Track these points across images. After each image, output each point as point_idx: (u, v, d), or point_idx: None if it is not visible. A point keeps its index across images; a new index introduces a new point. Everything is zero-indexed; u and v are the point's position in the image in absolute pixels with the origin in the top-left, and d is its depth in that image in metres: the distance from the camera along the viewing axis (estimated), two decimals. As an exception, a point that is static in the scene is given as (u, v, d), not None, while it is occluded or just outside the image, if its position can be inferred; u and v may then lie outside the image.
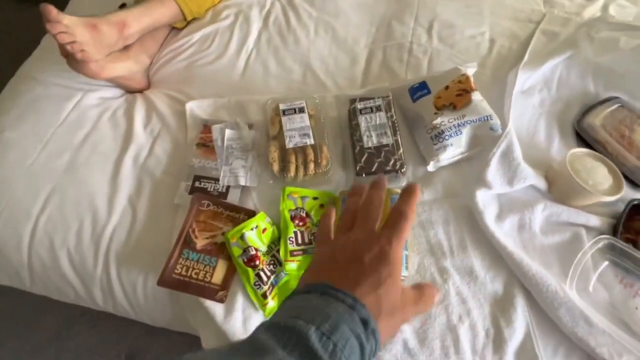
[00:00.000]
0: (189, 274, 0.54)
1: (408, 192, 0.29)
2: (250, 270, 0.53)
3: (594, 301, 0.52)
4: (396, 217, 0.28)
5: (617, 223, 0.57)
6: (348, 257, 0.27)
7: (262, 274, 0.53)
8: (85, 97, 0.72)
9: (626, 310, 0.51)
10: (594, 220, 0.58)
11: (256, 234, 0.55)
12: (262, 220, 0.56)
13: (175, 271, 0.54)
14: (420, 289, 0.28)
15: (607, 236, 0.55)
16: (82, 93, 0.72)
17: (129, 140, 0.67)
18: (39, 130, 0.68)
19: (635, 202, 0.58)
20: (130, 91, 0.76)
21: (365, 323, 0.23)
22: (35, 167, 0.64)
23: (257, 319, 0.53)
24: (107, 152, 0.66)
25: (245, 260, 0.53)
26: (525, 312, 0.53)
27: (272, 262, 0.55)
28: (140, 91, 0.76)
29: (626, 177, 0.60)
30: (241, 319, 0.52)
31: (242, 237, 0.54)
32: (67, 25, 0.57)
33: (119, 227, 0.60)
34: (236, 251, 0.54)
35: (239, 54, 0.78)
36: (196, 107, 0.70)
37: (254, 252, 0.53)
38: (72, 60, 0.62)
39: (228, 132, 0.65)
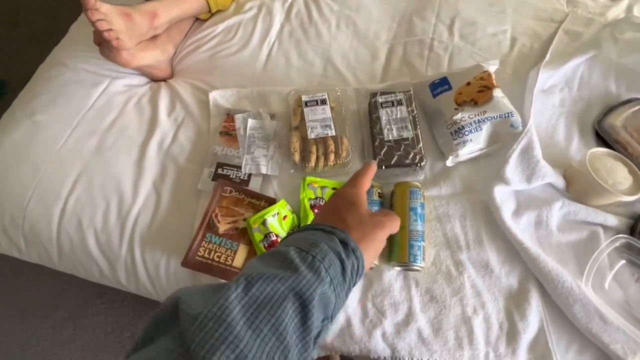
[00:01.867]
0: (211, 257, 0.56)
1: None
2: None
3: (609, 299, 0.52)
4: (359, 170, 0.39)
5: (635, 223, 0.57)
6: (331, 207, 0.36)
7: None
8: (112, 84, 0.74)
9: (641, 309, 0.52)
10: (612, 220, 0.58)
11: (277, 221, 0.57)
12: (283, 208, 0.58)
13: (199, 253, 0.56)
14: (386, 213, 0.37)
15: (625, 235, 0.55)
16: (110, 80, 0.74)
17: (154, 126, 0.69)
18: (68, 114, 0.70)
19: (655, 204, 0.58)
20: (154, 79, 0.78)
21: (344, 243, 0.29)
22: (65, 150, 0.67)
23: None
24: (132, 137, 0.69)
25: (266, 245, 0.55)
26: (539, 307, 0.53)
27: None
28: (164, 80, 0.78)
29: (646, 178, 0.60)
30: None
31: (263, 223, 0.55)
32: (105, 13, 0.58)
33: (143, 209, 0.62)
34: (258, 236, 0.55)
35: (261, 45, 0.79)
36: (219, 97, 0.72)
37: (275, 238, 0.55)
38: (107, 47, 0.64)
39: (250, 122, 0.67)
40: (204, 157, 0.66)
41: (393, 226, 0.36)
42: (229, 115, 0.69)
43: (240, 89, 0.73)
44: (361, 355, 0.55)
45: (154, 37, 0.73)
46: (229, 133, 0.67)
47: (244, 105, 0.71)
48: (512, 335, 0.52)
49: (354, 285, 0.29)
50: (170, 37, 0.77)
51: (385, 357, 0.53)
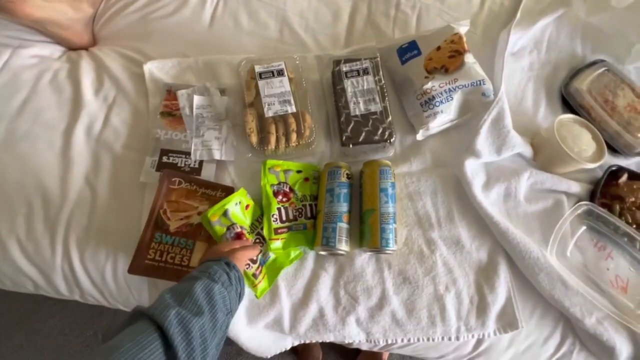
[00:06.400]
0: (163, 259, 0.50)
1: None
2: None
3: (570, 264, 0.54)
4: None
5: (595, 189, 0.59)
6: (213, 251, 0.46)
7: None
8: (15, 55, 0.60)
9: (598, 271, 0.54)
10: (575, 187, 0.59)
11: (240, 210, 0.51)
12: (244, 197, 0.52)
13: (148, 257, 0.49)
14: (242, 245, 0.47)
15: (586, 202, 0.56)
16: (11, 50, 0.60)
17: (78, 108, 0.58)
18: (-40, 96, 0.56)
19: (613, 168, 0.60)
20: (71, 48, 0.64)
21: (227, 264, 0.42)
22: (-38, 143, 0.54)
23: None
24: (52, 123, 0.57)
25: (230, 237, 0.49)
26: (507, 278, 0.54)
27: (257, 240, 0.52)
28: (84, 48, 0.64)
29: (606, 143, 0.60)
30: (225, 301, 0.50)
31: (225, 214, 0.49)
32: None
33: (77, 209, 0.53)
34: (219, 230, 0.49)
35: (203, 4, 0.67)
36: (157, 69, 0.61)
37: (239, 230, 0.49)
38: None
39: (197, 99, 0.57)
40: (145, 143, 0.56)
41: (247, 251, 0.46)
42: (170, 92, 0.58)
43: (181, 58, 0.62)
44: (336, 341, 0.54)
45: (61, -9, 0.58)
46: (172, 114, 0.57)
47: (188, 78, 0.61)
48: (481, 308, 0.53)
49: (241, 290, 0.43)
50: (84, -7, 0.62)
51: (360, 341, 0.53)
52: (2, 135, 0.55)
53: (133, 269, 0.48)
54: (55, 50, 0.63)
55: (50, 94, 0.59)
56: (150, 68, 0.60)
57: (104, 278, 0.53)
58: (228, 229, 0.49)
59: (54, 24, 0.58)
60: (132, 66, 0.62)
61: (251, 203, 0.52)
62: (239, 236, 0.49)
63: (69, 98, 0.59)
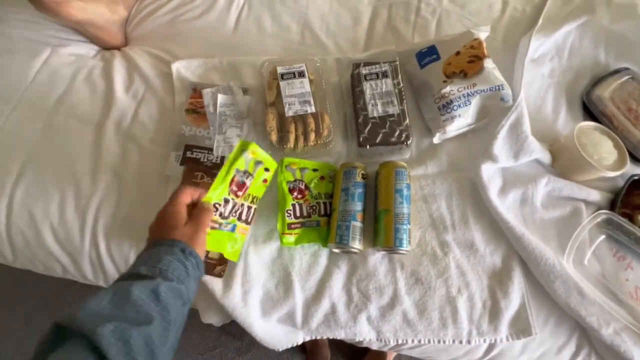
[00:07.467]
0: (184, 249, 0.52)
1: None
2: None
3: (587, 273, 0.53)
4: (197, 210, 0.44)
5: (616, 198, 0.58)
6: (162, 224, 0.42)
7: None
8: (54, 53, 0.64)
9: (616, 282, 0.53)
10: (594, 195, 0.58)
11: (250, 166, 0.50)
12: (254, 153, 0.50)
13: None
14: (195, 214, 0.43)
15: (606, 211, 0.55)
16: (51, 48, 0.64)
17: (110, 104, 0.61)
18: (4, 90, 0.60)
19: (635, 178, 0.59)
20: (105, 47, 0.68)
21: (183, 250, 0.38)
22: (4, 133, 0.58)
23: (256, 292, 0.52)
24: (85, 117, 0.60)
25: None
26: (521, 284, 0.54)
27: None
28: (117, 48, 0.68)
29: (629, 152, 0.59)
30: (240, 293, 0.51)
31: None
32: None
33: (105, 199, 0.56)
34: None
35: (229, 8, 0.70)
36: (184, 69, 0.64)
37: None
38: None
39: (220, 98, 0.60)
40: (170, 138, 0.59)
41: (204, 221, 0.43)
42: (196, 90, 0.61)
43: (207, 59, 0.65)
44: (346, 339, 0.54)
45: (98, -8, 0.62)
46: (196, 111, 0.60)
47: (213, 78, 0.64)
48: (494, 313, 0.52)
49: (201, 275, 0.40)
50: (119, -4, 0.66)
51: (370, 340, 0.53)
52: (41, 127, 0.59)
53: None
54: (91, 50, 0.67)
55: (85, 90, 0.63)
56: (178, 67, 0.63)
57: (127, 264, 0.55)
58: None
59: (92, 25, 0.62)
60: (161, 65, 0.65)
61: (270, 164, 0.51)
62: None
63: (101, 94, 0.63)
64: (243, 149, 0.48)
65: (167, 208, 0.42)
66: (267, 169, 0.51)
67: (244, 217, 0.51)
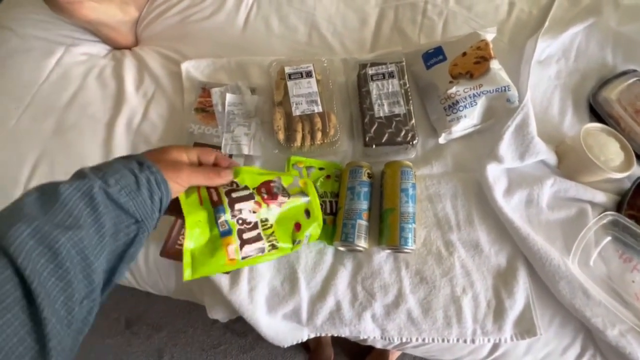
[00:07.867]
0: (193, 245, 0.52)
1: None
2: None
3: (593, 274, 0.53)
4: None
5: (622, 200, 0.57)
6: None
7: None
8: (68, 53, 0.65)
9: (622, 283, 0.53)
10: (600, 197, 0.58)
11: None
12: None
13: (178, 242, 0.52)
14: (213, 169, 0.40)
15: (612, 213, 0.55)
16: (64, 48, 0.66)
17: (121, 102, 0.63)
18: (18, 88, 0.62)
19: (642, 179, 0.58)
20: (116, 47, 0.69)
21: (140, 163, 0.33)
22: (19, 130, 0.59)
23: (262, 288, 0.53)
24: (97, 115, 0.62)
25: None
26: (526, 284, 0.54)
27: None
28: (128, 48, 0.70)
29: (636, 154, 0.59)
30: (247, 289, 0.52)
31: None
32: None
33: (115, 195, 0.57)
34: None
35: (238, 9, 0.71)
36: (193, 68, 0.65)
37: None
38: None
39: (229, 97, 0.61)
40: (179, 137, 0.60)
41: (203, 173, 0.39)
42: (205, 90, 0.62)
43: (216, 59, 0.66)
44: (350, 337, 0.55)
45: (111, -7, 0.64)
46: (205, 109, 0.61)
47: (221, 77, 0.65)
48: (499, 313, 0.53)
49: (162, 193, 0.34)
50: (131, -3, 0.67)
51: (374, 338, 0.54)
52: (53, 125, 0.60)
53: (165, 253, 0.52)
54: (102, 49, 0.69)
55: (96, 89, 0.64)
56: (187, 67, 0.65)
57: (136, 262, 0.56)
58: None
59: (105, 25, 0.64)
60: (171, 65, 0.66)
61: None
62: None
63: (112, 93, 0.64)
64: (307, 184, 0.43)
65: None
66: (307, 211, 0.43)
67: (243, 236, 0.40)
